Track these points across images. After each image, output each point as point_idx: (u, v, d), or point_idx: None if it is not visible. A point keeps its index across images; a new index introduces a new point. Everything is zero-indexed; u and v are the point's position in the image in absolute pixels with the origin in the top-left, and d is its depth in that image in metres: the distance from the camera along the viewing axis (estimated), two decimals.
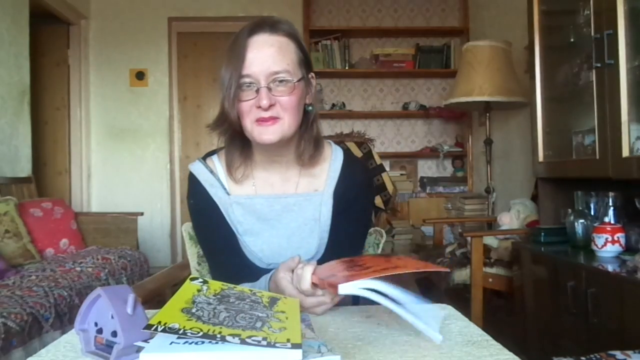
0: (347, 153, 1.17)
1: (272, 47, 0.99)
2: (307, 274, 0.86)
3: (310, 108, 1.07)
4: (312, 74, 1.08)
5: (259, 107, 0.98)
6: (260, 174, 1.12)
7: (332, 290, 0.77)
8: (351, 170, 1.13)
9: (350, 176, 1.12)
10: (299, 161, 1.10)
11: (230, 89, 0.98)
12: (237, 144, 1.09)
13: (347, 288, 0.70)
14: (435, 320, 0.75)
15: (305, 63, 1.05)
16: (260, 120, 0.99)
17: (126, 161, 4.54)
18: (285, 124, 1.00)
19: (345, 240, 1.12)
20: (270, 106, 0.98)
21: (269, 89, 0.98)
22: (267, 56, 0.98)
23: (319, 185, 1.12)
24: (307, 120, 1.08)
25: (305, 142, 1.08)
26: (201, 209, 1.11)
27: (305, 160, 1.09)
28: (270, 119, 0.99)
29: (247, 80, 0.98)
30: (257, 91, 0.98)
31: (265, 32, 1.00)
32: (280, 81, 0.98)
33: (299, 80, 1.01)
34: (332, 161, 1.13)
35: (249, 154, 1.11)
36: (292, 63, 1.00)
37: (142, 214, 3.56)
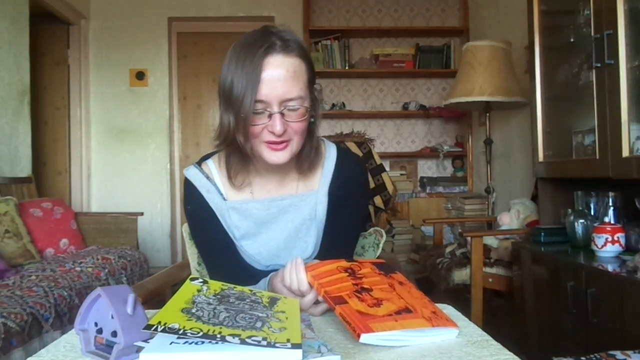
0: (340, 149, 1.16)
1: (287, 72, 0.96)
2: (302, 276, 0.87)
3: (312, 120, 1.06)
4: (316, 86, 1.06)
5: (271, 131, 0.97)
6: (258, 179, 1.12)
7: (332, 307, 0.78)
8: (344, 166, 1.13)
9: (344, 172, 1.13)
10: (299, 170, 1.10)
11: (241, 112, 0.95)
12: (238, 151, 1.07)
13: (370, 339, 0.71)
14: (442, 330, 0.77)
15: (313, 79, 1.04)
16: (271, 143, 0.99)
17: (126, 161, 4.54)
18: (295, 145, 1.01)
19: (340, 235, 1.12)
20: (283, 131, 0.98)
21: (282, 115, 0.97)
22: (281, 82, 0.96)
23: (314, 184, 1.12)
24: (310, 131, 1.08)
25: (306, 152, 1.08)
26: (198, 215, 1.11)
27: (305, 168, 1.10)
28: (282, 142, 0.99)
29: (260, 106, 0.96)
30: (270, 116, 0.97)
31: (279, 53, 0.97)
32: (292, 108, 0.98)
33: (309, 105, 1.01)
34: (326, 159, 1.13)
35: (247, 160, 1.10)
36: (304, 87, 0.99)
37: (142, 214, 3.56)
